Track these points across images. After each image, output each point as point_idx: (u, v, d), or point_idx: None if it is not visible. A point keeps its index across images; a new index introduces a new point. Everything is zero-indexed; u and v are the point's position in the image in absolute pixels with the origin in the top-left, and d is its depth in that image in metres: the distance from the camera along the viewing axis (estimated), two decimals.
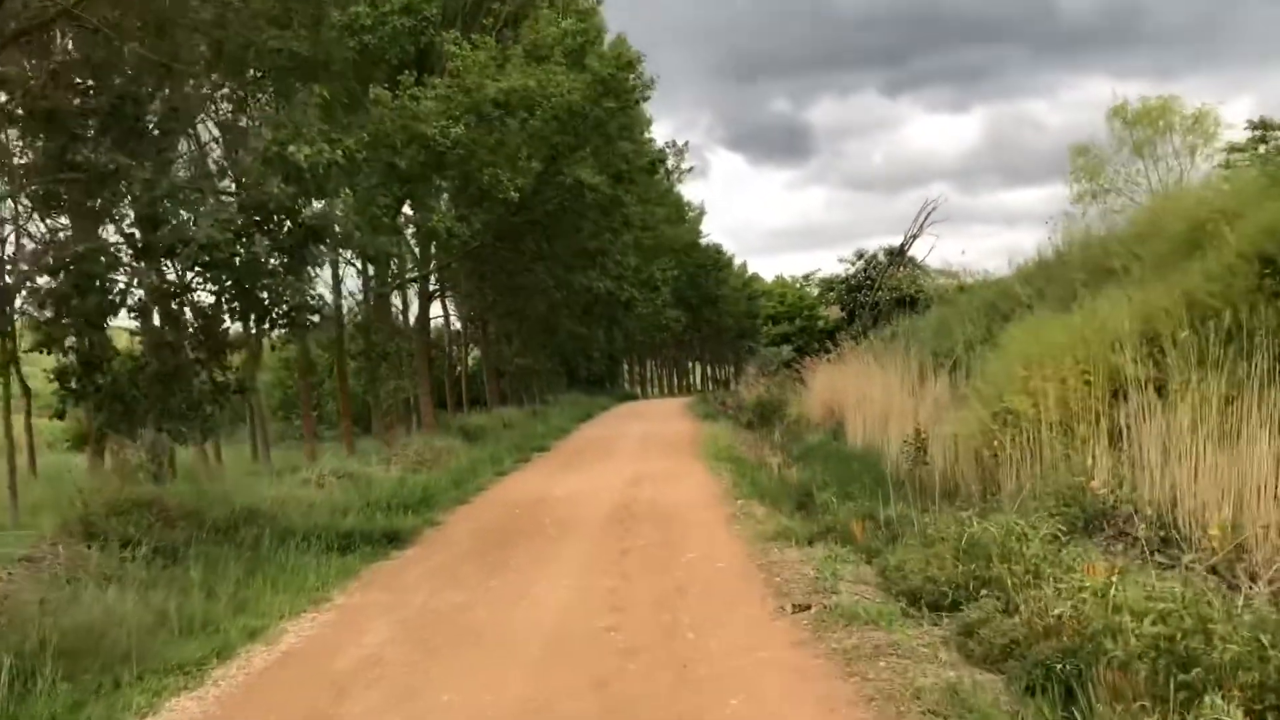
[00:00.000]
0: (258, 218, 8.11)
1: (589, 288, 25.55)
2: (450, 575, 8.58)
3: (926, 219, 29.22)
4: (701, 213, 67.03)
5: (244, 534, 9.60)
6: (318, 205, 8.96)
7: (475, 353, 39.12)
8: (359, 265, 20.35)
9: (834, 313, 33.89)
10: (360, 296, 22.77)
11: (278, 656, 6.39)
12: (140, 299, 8.98)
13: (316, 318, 9.36)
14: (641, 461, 18.17)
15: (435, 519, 12.00)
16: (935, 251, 60.41)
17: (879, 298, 29.33)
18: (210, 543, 9.25)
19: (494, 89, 18.02)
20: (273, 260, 8.22)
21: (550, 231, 21.73)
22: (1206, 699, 3.58)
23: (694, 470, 16.38)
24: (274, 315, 8.97)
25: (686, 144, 60.51)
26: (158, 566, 8.38)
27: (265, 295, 8.62)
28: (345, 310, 23.15)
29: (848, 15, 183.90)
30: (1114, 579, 4.80)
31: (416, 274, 22.00)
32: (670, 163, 22.17)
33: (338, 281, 22.27)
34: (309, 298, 8.89)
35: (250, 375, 9.71)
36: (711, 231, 78.68)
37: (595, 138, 20.17)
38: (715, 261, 69.36)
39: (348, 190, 9.37)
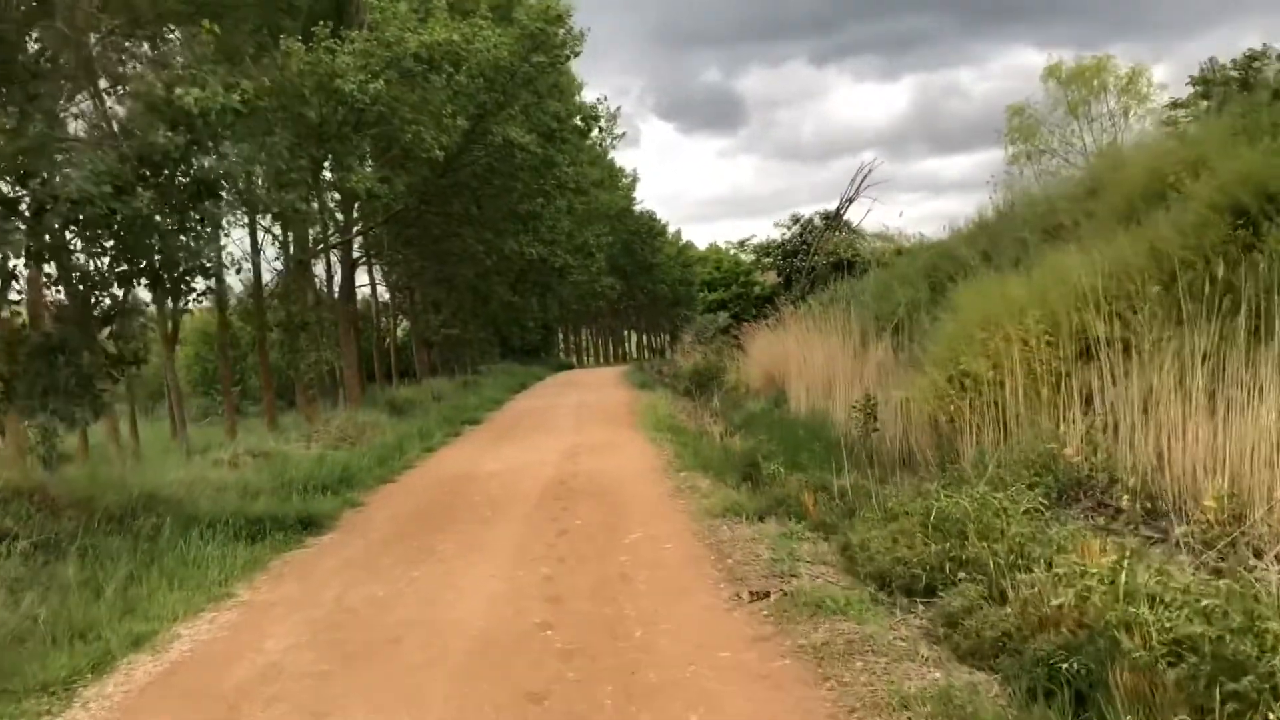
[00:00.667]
0: (145, 171, 7.14)
1: (521, 253, 24.59)
2: (369, 565, 7.78)
3: (862, 182, 28.85)
4: (635, 179, 66.32)
5: (142, 523, 8.67)
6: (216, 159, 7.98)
7: (406, 323, 37.95)
8: (277, 231, 19.26)
9: (770, 278, 33.39)
10: (280, 264, 21.70)
11: (164, 669, 5.56)
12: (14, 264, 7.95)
13: (213, 282, 8.37)
14: (578, 433, 17.44)
15: (357, 500, 11.16)
16: (870, 216, 60.51)
17: (815, 262, 28.88)
18: (102, 534, 8.32)
19: (416, 43, 16.95)
20: (161, 218, 7.25)
21: (479, 194, 20.74)
22: (1271, 715, 2.97)
23: (633, 441, 15.71)
24: (167, 280, 7.99)
25: (619, 109, 59.36)
26: (36, 563, 7.47)
27: (156, 258, 7.65)
28: (265, 279, 22.08)
29: None
30: (1124, 563, 4.20)
31: (338, 239, 20.87)
32: (603, 124, 21.24)
33: (256, 248, 21.14)
34: (205, 260, 7.92)
35: (143, 347, 8.70)
36: (645, 199, 78.02)
37: (524, 95, 19.21)
38: (649, 229, 68.66)
39: (245, 143, 8.37)
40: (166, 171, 7.18)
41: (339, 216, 21.14)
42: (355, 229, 21.30)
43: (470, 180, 20.25)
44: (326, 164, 17.62)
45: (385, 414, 21.85)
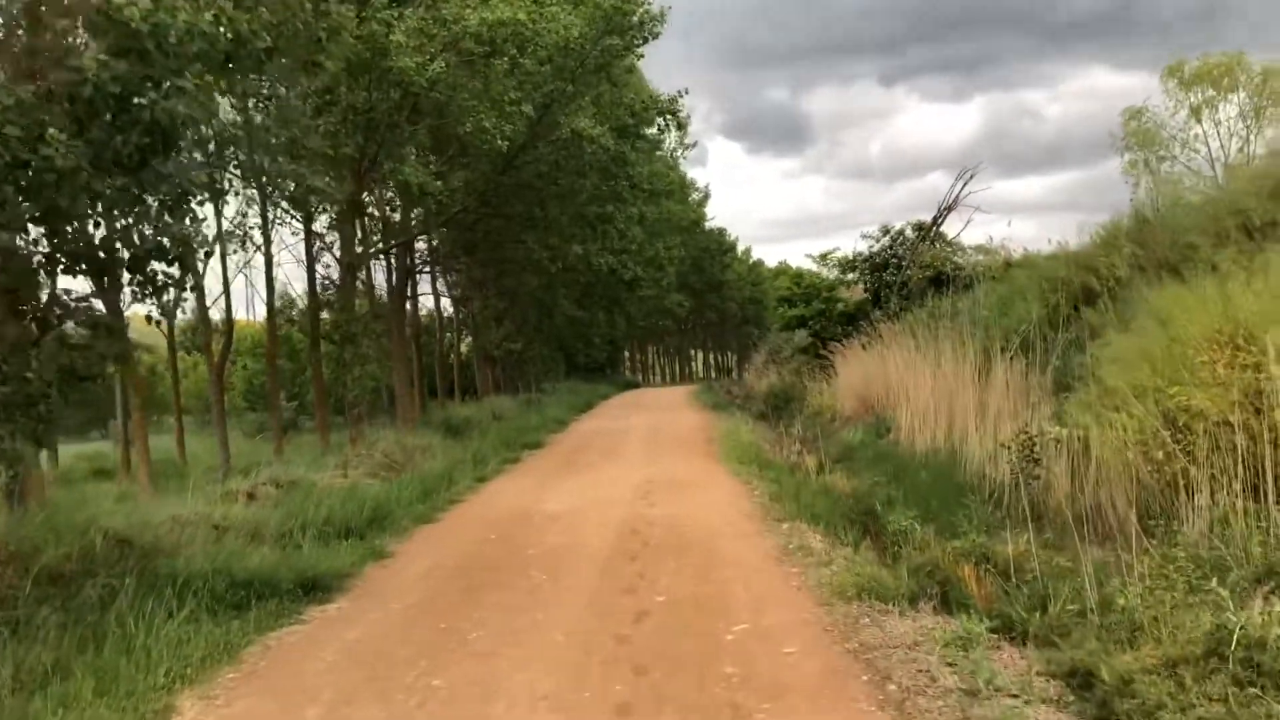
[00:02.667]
0: (80, 116, 5.16)
1: (588, 263, 22.51)
2: (376, 662, 5.65)
3: (963, 189, 26.29)
4: (706, 195, 64.28)
5: (93, 586, 6.68)
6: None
7: (470, 339, 36.13)
8: (322, 230, 17.49)
9: (856, 294, 30.88)
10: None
11: None
12: None
13: (179, 272, 6.32)
14: (651, 463, 15.25)
15: (384, 549, 9.07)
16: (970, 227, 57.31)
17: (908, 276, 26.36)
18: (36, 601, 6.34)
19: (477, 21, 15.00)
20: (100, 179, 5.25)
21: (543, 195, 18.70)
22: None
23: (715, 476, 13.46)
24: (117, 266, 5.98)
25: (689, 117, 57.32)
26: None
27: (97, 233, 5.68)
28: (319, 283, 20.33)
29: (847, 3, 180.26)
30: None
31: (386, 243, 19.00)
32: (681, 120, 19.08)
33: (310, 252, 19.41)
34: (169, 239, 5.87)
35: (109, 355, 6.70)
36: (714, 217, 75.56)
37: (596, 82, 17.14)
38: (719, 245, 66.51)
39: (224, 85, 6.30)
40: (109, 114, 5.18)
41: (393, 215, 19.26)
42: (410, 232, 19.38)
43: (534, 179, 18.23)
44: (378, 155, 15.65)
45: (439, 435, 19.93)
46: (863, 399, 18.97)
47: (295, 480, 12.56)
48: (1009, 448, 9.19)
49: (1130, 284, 13.33)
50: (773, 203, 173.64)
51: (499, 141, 15.32)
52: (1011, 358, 13.47)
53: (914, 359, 16.74)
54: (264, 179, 11.01)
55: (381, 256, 20.46)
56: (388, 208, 19.81)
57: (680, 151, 49.96)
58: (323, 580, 7.45)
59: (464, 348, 38.75)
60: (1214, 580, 4.73)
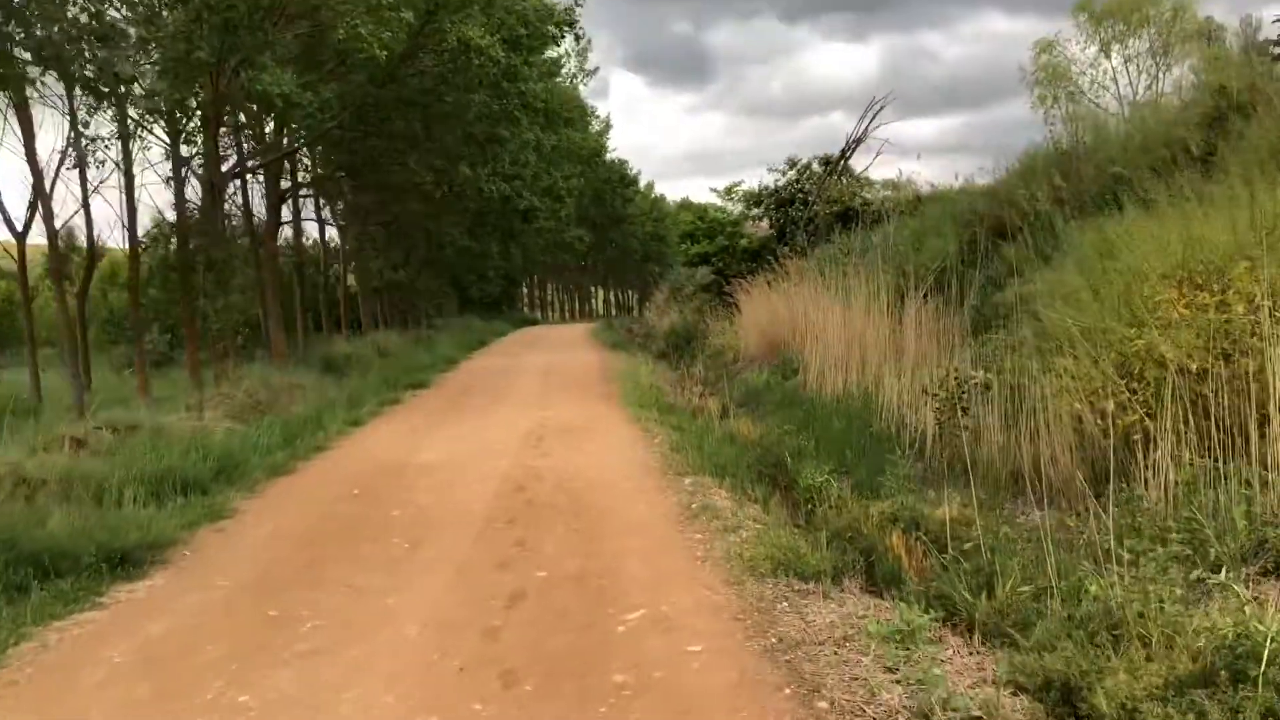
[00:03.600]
0: None
1: (478, 189, 20.98)
2: (177, 667, 4.45)
3: (871, 120, 25.48)
4: (607, 125, 62.54)
5: None
6: None
7: None
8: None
9: (760, 230, 29.99)
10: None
11: None
12: None
13: None
14: (544, 406, 14.14)
15: (225, 508, 7.79)
16: (878, 163, 57.12)
17: (815, 212, 25.58)
18: None
19: None
20: None
21: (428, 112, 17.09)
22: None
23: (612, 420, 12.44)
24: None
25: (589, 41, 54.94)
26: None
27: None
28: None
29: None
30: None
31: (251, 159, 17.21)
32: (579, 33, 17.61)
33: (180, 175, 17.46)
34: None
35: None
36: (616, 148, 73.82)
37: None
38: (621, 178, 65.00)
39: None
40: None
41: (266, 131, 17.44)
42: (279, 150, 17.59)
43: (417, 95, 16.61)
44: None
45: (317, 373, 18.45)
46: (768, 339, 18.12)
47: (137, 424, 11.09)
48: (933, 394, 8.36)
49: (1050, 218, 12.66)
50: (674, 138, 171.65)
51: (377, 50, 13.72)
52: (926, 296, 12.73)
53: (822, 297, 15.95)
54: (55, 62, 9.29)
55: (253, 177, 18.63)
56: (260, 123, 17.97)
57: (580, 78, 48.35)
58: (136, 551, 6.14)
59: (353, 279, 36.75)
60: (1192, 555, 3.87)
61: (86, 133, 16.10)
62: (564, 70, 40.20)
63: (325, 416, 13.16)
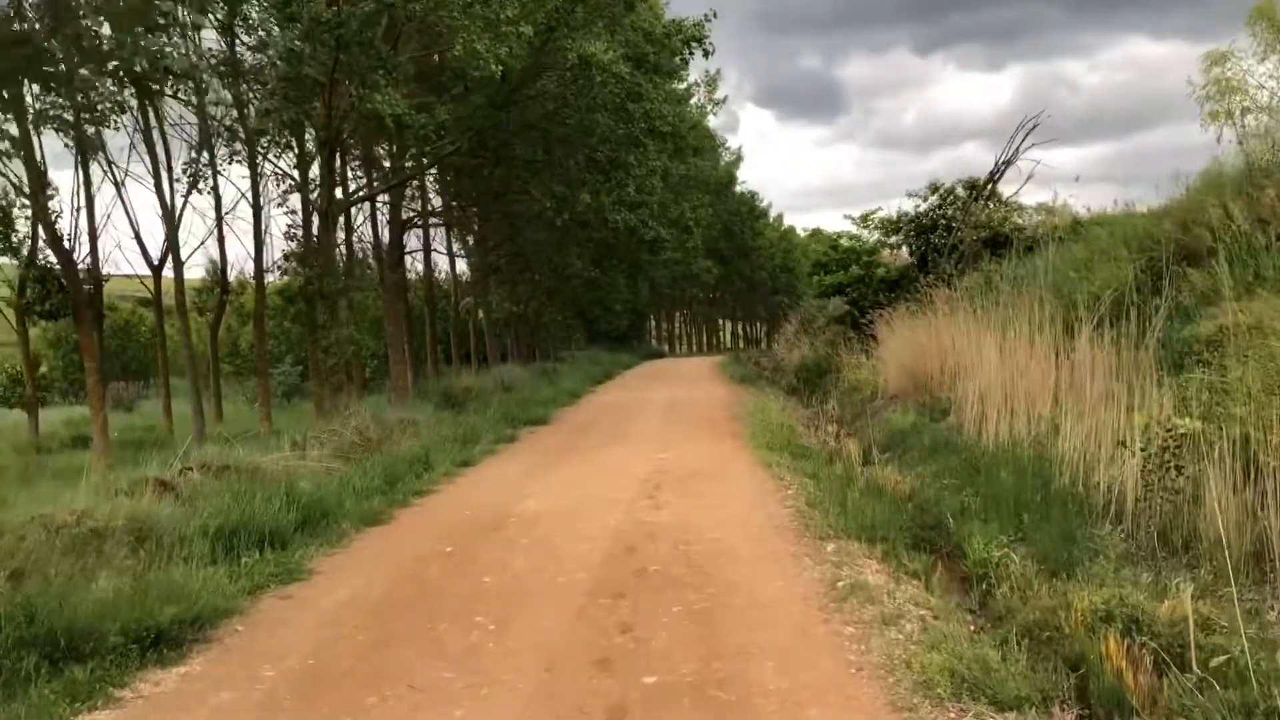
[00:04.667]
0: None
1: (603, 218, 20.10)
2: None
3: (1023, 141, 23.60)
4: (738, 157, 61.54)
5: None
6: None
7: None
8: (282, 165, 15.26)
9: (898, 258, 28.29)
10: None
11: None
12: None
13: None
14: (664, 446, 13.01)
15: (302, 567, 6.89)
16: (1034, 179, 53.65)
17: (960, 238, 23.80)
18: None
19: None
20: None
21: (548, 136, 16.29)
22: None
23: (738, 464, 11.21)
24: None
25: (719, 71, 54.06)
26: None
27: None
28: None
29: None
30: None
31: (371, 187, 16.71)
32: (708, 47, 16.45)
33: (307, 207, 17.22)
34: None
35: None
36: (746, 180, 72.82)
37: (611, 2, 14.68)
38: (751, 209, 63.78)
39: None
40: None
41: (383, 159, 16.93)
42: (400, 175, 17.07)
43: (539, 119, 15.83)
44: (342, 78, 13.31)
45: (434, 408, 17.76)
46: (911, 375, 16.56)
47: (232, 465, 10.40)
48: (1138, 446, 6.84)
49: (1249, 239, 10.88)
50: (803, 172, 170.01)
51: (493, 66, 12.95)
52: (1097, 328, 11.10)
53: (976, 329, 14.40)
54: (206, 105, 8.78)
55: (370, 206, 18.20)
56: (380, 150, 17.52)
57: (709, 107, 47.46)
58: (172, 629, 5.21)
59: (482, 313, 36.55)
60: None
61: (203, 159, 15.93)
62: (693, 101, 39.43)
63: (435, 455, 12.37)
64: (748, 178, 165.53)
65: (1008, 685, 4.06)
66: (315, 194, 15.53)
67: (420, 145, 14.46)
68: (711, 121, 47.99)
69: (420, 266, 26.49)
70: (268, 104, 11.39)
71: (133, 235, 21.97)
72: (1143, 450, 6.73)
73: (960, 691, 4.06)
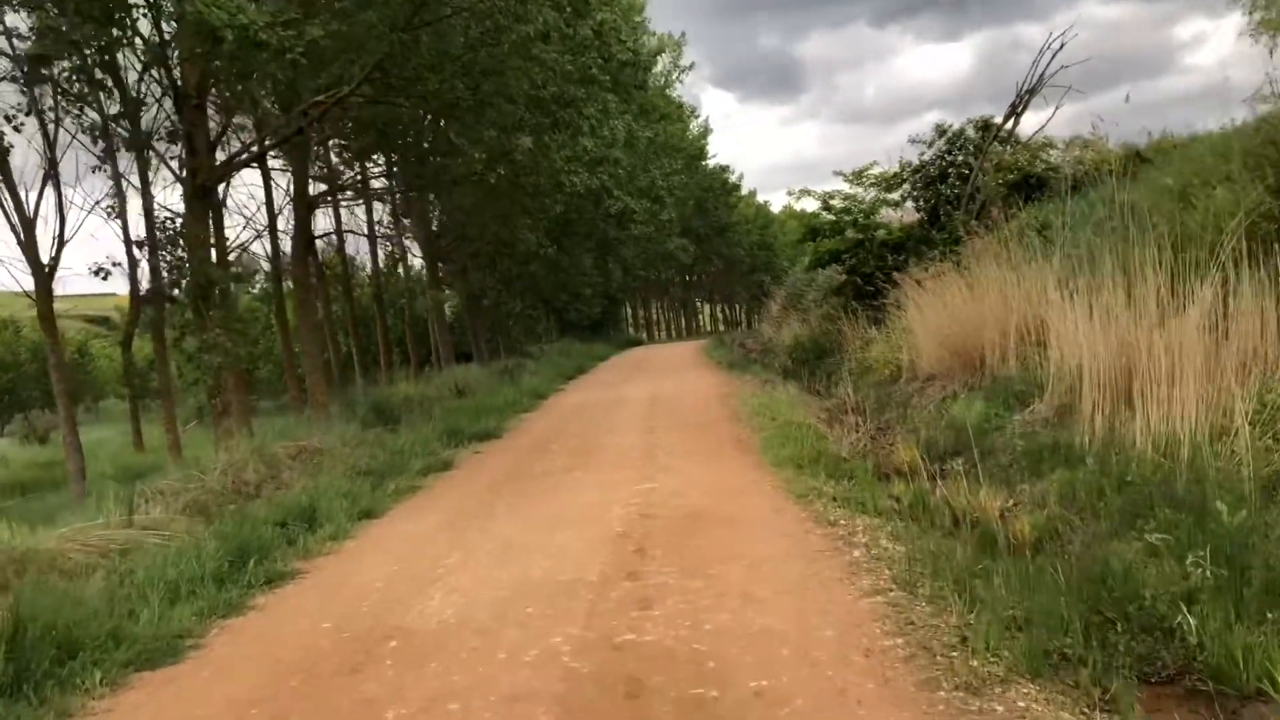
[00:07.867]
0: None
1: (557, 182, 16.37)
2: None
3: (1048, 66, 20.03)
4: (707, 128, 58.03)
5: None
6: None
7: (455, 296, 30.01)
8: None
9: (901, 218, 24.74)
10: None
11: None
12: None
13: None
14: (648, 467, 9.46)
15: None
16: (1063, 109, 49.29)
17: (979, 184, 20.29)
18: None
19: None
20: None
21: (470, 66, 12.46)
22: None
23: (760, 496, 7.64)
24: None
25: (684, 34, 50.25)
26: None
27: None
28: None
29: None
30: None
31: (249, 153, 12.93)
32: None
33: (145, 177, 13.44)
34: None
35: None
36: (716, 154, 69.01)
37: None
38: (723, 184, 60.29)
39: None
40: None
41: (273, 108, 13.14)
42: (289, 126, 13.25)
43: (459, 48, 12.07)
44: None
45: (360, 426, 14.11)
46: (955, 348, 13.04)
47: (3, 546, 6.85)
48: None
49: None
50: (769, 151, 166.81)
51: None
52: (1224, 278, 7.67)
53: (1029, 289, 11.06)
54: None
55: (264, 177, 14.46)
56: (264, 97, 13.72)
57: (675, 73, 43.84)
58: None
59: (448, 309, 32.73)
60: None
61: None
62: (657, 69, 35.88)
63: (328, 503, 8.76)
64: (717, 152, 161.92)
65: None
66: (174, 159, 11.80)
67: (291, 83, 10.74)
68: (679, 91, 44.43)
69: (367, 258, 22.84)
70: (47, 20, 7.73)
71: None
72: None
73: None
